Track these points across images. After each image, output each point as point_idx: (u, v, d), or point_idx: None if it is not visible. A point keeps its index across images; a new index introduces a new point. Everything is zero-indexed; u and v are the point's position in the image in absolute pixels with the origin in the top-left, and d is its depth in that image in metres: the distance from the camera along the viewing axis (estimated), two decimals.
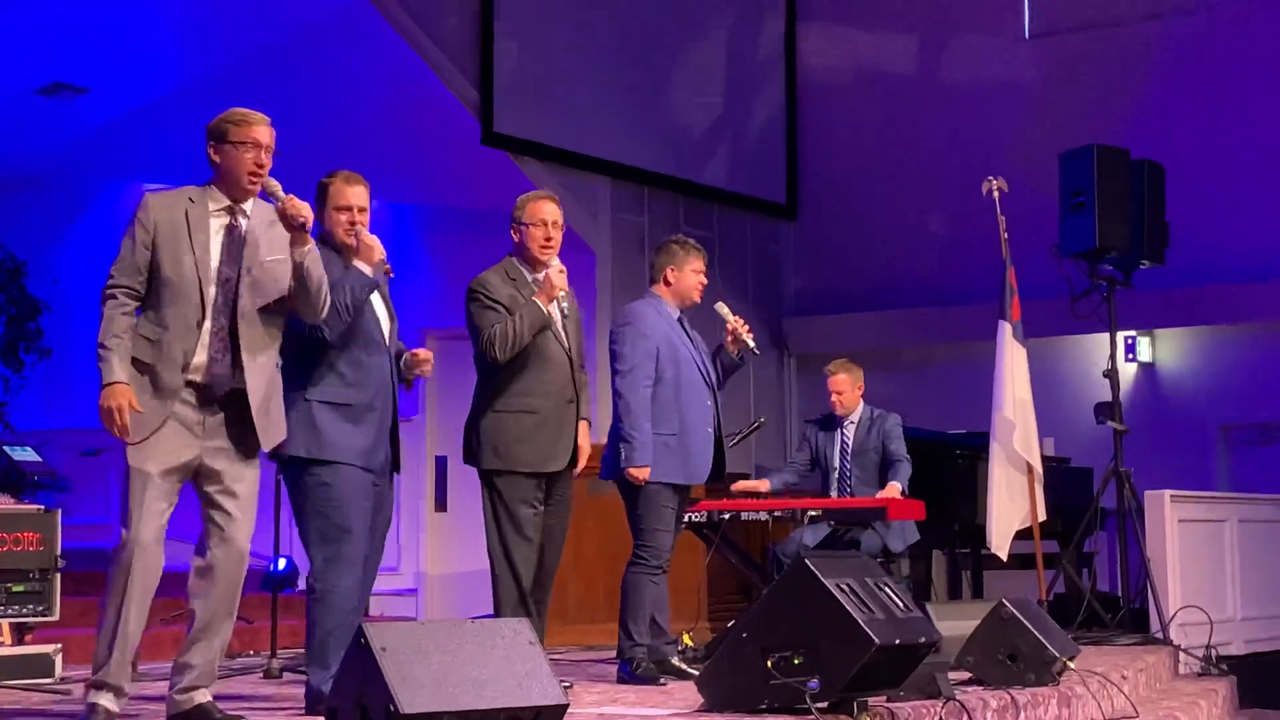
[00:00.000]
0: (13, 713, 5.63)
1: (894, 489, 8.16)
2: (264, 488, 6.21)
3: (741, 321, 6.75)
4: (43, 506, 7.19)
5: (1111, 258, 9.21)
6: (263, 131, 4.96)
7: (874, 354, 10.86)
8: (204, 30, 11.31)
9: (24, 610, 6.87)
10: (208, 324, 4.88)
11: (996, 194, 8.83)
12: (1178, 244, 9.58)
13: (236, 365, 4.92)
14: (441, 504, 11.59)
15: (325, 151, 10.90)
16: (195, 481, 4.94)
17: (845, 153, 13.06)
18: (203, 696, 4.95)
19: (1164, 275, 10.04)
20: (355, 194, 5.58)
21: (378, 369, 5.55)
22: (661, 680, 6.37)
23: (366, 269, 5.46)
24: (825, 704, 4.93)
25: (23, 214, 13.92)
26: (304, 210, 4.94)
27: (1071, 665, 6.31)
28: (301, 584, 10.76)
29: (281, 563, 8.96)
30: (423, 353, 5.77)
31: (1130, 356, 11.92)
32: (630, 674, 6.41)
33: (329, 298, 5.12)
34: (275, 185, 4.99)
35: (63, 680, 6.72)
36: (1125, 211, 9.10)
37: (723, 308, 6.83)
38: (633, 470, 6.39)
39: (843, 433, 8.58)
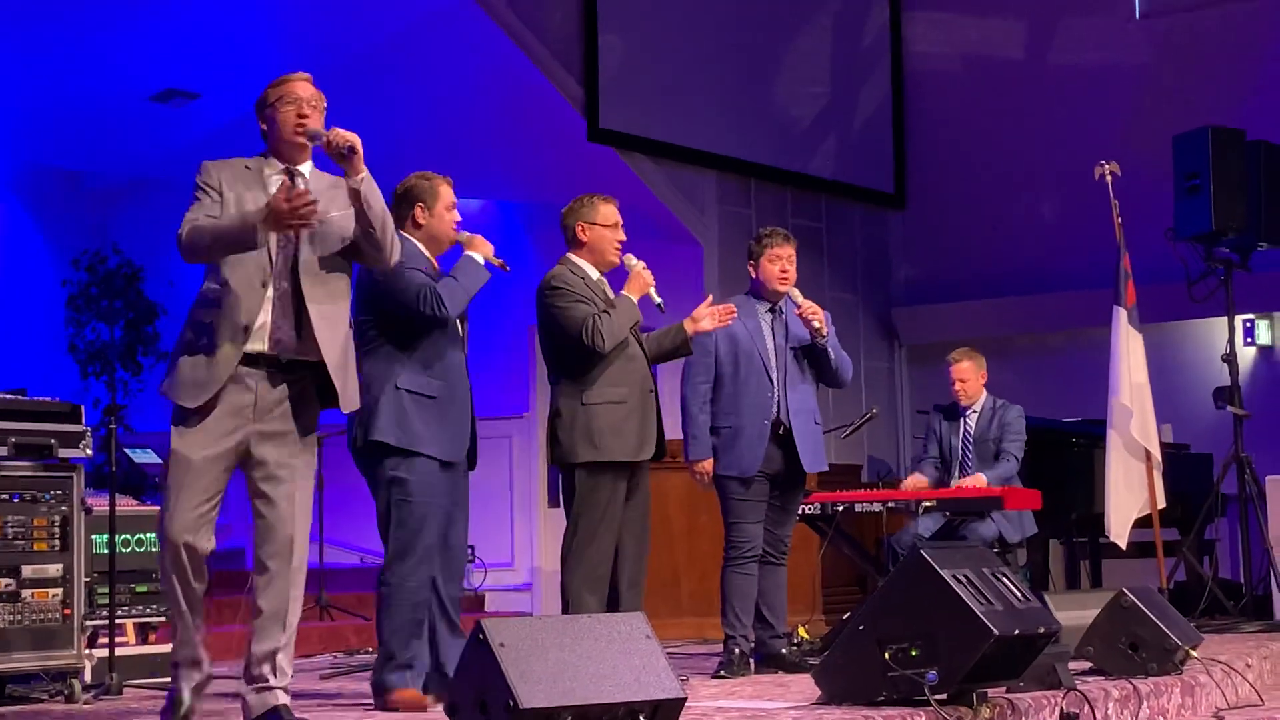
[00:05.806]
0: (138, 711, 5.71)
1: (978, 479, 8.05)
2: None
3: (810, 306, 6.69)
4: None
5: (1228, 240, 9.09)
6: (302, 86, 4.84)
7: (986, 343, 10.69)
8: (310, 34, 11.43)
9: (147, 610, 6.97)
10: (270, 285, 4.69)
11: (1109, 178, 8.72)
12: None
13: (303, 328, 4.71)
14: (555, 499, 11.61)
15: (431, 151, 11.01)
16: (243, 468, 4.74)
17: (954, 140, 12.94)
18: (277, 698, 4.70)
19: None
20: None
21: (457, 362, 5.61)
22: (741, 674, 6.45)
23: (479, 257, 5.52)
24: (944, 695, 4.90)
25: (138, 219, 14.15)
26: (350, 136, 4.73)
27: (1194, 654, 6.22)
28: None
29: None
30: None
31: (1249, 340, 11.71)
32: (719, 665, 6.52)
33: (395, 240, 4.89)
34: (316, 128, 4.78)
35: None
36: (1242, 193, 8.97)
37: (794, 292, 6.76)
38: (695, 465, 6.51)
39: (965, 421, 8.50)
